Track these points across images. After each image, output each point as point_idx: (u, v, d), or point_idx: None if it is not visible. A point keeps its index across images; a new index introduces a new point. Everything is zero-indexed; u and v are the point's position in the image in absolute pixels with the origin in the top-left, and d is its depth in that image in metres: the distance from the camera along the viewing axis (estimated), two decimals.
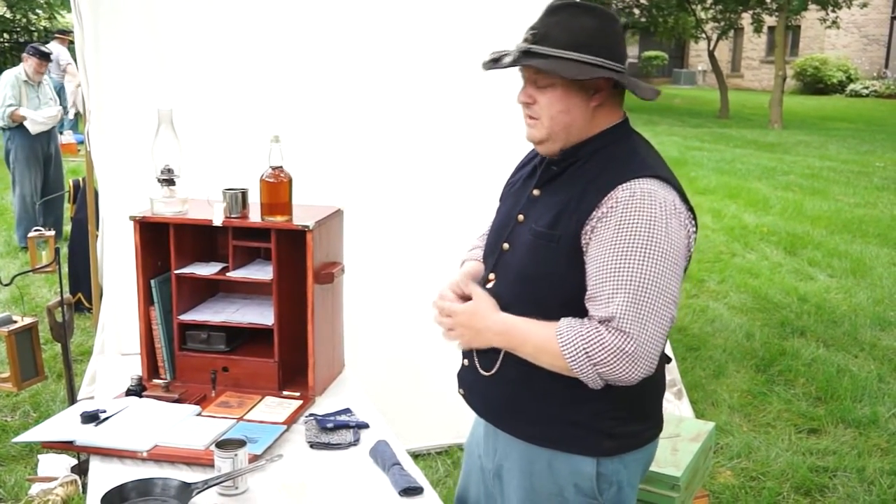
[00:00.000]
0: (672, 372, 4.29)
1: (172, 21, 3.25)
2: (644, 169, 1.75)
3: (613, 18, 1.82)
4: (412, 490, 2.03)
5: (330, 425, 2.34)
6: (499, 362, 1.88)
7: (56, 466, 3.59)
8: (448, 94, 3.61)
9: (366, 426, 2.38)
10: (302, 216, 2.47)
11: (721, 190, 10.86)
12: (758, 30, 24.54)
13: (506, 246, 1.92)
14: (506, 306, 1.84)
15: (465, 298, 1.91)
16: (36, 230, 3.83)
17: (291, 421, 2.36)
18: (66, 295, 3.30)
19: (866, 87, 29.90)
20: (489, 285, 1.93)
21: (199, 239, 2.63)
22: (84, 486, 3.38)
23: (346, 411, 2.46)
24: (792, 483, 3.67)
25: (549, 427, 1.85)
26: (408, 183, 3.50)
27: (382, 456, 2.17)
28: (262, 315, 2.59)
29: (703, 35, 25.90)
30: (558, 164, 1.85)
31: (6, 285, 3.33)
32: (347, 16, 3.46)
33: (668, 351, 2.21)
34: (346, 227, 2.72)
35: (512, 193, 2.00)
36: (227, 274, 2.55)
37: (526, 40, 1.78)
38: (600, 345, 1.66)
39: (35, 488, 3.48)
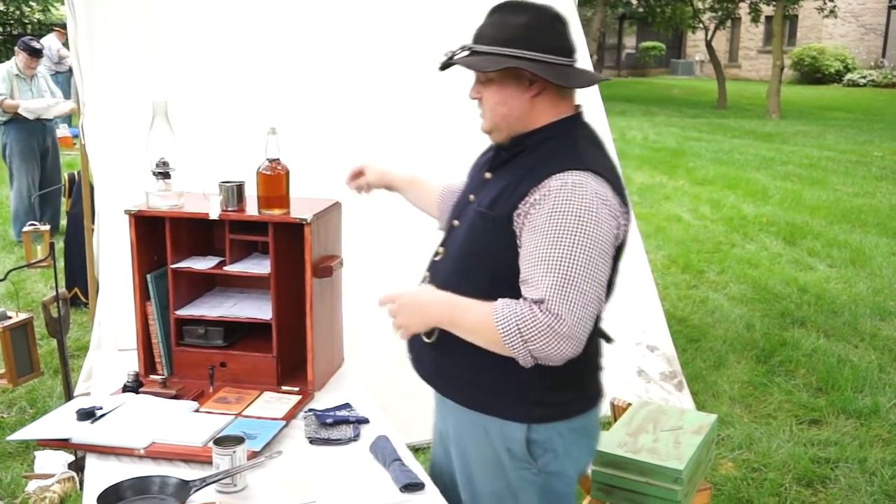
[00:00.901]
0: (672, 363, 4.27)
1: (167, 12, 3.22)
2: (579, 163, 1.85)
3: (549, 14, 1.91)
4: (413, 486, 2.00)
5: (329, 421, 2.31)
6: (437, 330, 1.97)
7: (53, 463, 3.56)
8: (447, 84, 3.57)
9: (366, 421, 2.35)
10: (300, 209, 2.44)
11: (720, 180, 10.83)
12: (755, 19, 24.50)
13: (456, 223, 2.07)
14: (444, 279, 1.98)
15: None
16: (31, 224, 3.80)
17: (290, 416, 2.34)
18: (62, 290, 3.27)
19: (864, 77, 29.84)
20: (437, 258, 2.09)
21: (196, 233, 2.60)
22: (81, 482, 3.35)
23: (346, 406, 2.44)
24: (794, 474, 3.66)
25: (482, 393, 1.98)
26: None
27: (383, 451, 2.15)
28: (259, 309, 2.56)
29: (701, 25, 25.83)
30: (508, 150, 1.99)
31: (1, 280, 3.30)
32: (342, 7, 3.42)
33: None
34: (345, 219, 2.69)
35: (470, 176, 2.16)
36: (225, 268, 2.52)
37: (462, 47, 1.95)
38: (533, 324, 1.74)
39: (32, 485, 3.45)
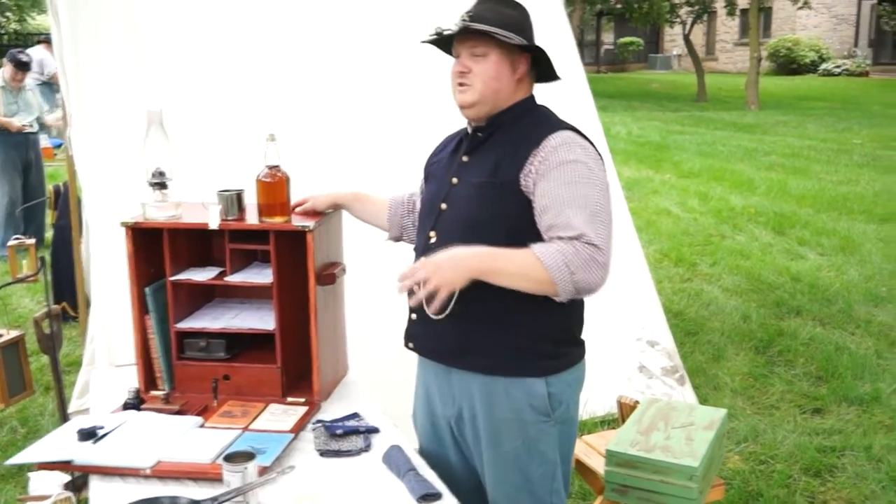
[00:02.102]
0: (673, 358, 4.25)
1: (154, 19, 3.15)
2: (563, 125, 2.12)
3: (527, 12, 2.17)
4: (430, 496, 1.96)
5: (339, 432, 2.26)
6: (451, 304, 2.04)
7: (48, 484, 3.47)
8: (446, 89, 3.53)
9: (376, 431, 2.30)
10: (301, 216, 2.39)
11: (705, 173, 10.86)
12: (731, 13, 24.63)
13: (444, 206, 2.17)
14: None
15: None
16: (16, 238, 3.71)
17: (299, 428, 2.28)
18: (53, 305, 3.19)
19: (838, 66, 30.10)
20: (431, 241, 2.15)
21: (194, 243, 2.54)
22: (80, 502, 3.28)
23: (355, 416, 2.38)
24: (801, 465, 3.64)
25: (501, 357, 2.10)
26: (406, 178, 3.41)
27: (396, 462, 2.10)
28: (262, 320, 2.50)
29: (678, 20, 25.94)
30: (483, 130, 2.16)
31: None
32: (339, 8, 3.37)
33: None
34: (346, 225, 2.63)
35: (441, 166, 2.26)
36: (225, 278, 2.46)
37: (463, 20, 2.09)
38: (576, 256, 1.91)
39: None
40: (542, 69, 2.18)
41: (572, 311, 2.15)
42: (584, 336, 2.24)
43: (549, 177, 2.00)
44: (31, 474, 3.53)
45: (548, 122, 2.13)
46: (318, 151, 3.28)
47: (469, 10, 2.11)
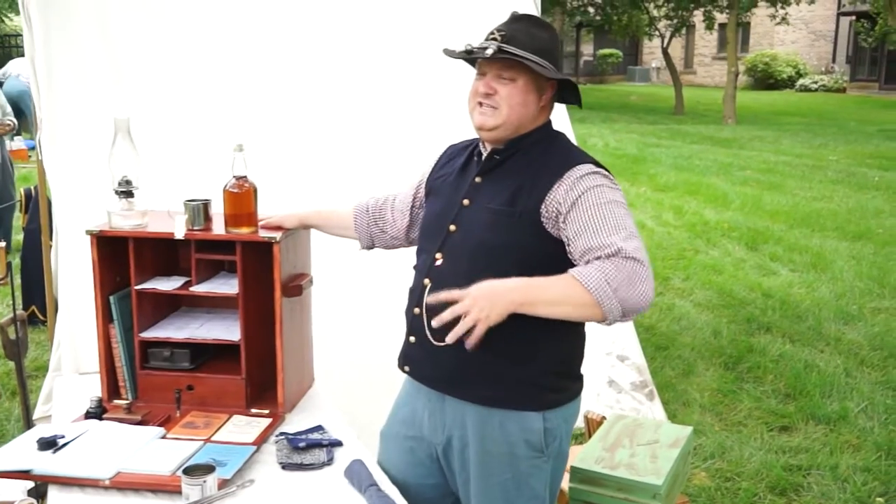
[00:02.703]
0: (643, 373, 4.26)
1: (127, 24, 3.13)
2: (584, 157, 2.08)
3: (557, 34, 2.14)
4: None
5: (302, 444, 2.25)
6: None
7: (11, 490, 3.43)
8: (416, 100, 3.54)
9: (339, 444, 2.29)
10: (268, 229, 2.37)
11: (681, 186, 10.93)
12: (709, 27, 24.85)
13: (452, 228, 2.10)
14: (458, 279, 1.97)
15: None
16: None
17: (261, 441, 2.27)
18: (19, 311, 3.15)
19: (815, 82, 30.48)
20: (437, 263, 2.10)
21: (160, 252, 2.52)
22: None
23: (319, 429, 2.37)
24: (767, 483, 3.66)
25: (500, 387, 2.05)
26: (376, 190, 3.42)
27: (358, 476, 2.09)
28: (227, 330, 2.49)
29: (657, 33, 26.15)
30: (502, 153, 2.10)
31: None
32: (310, 18, 3.36)
33: None
34: (314, 237, 2.62)
35: (448, 184, 2.20)
36: (191, 288, 2.44)
37: (494, 39, 2.02)
38: (618, 272, 1.84)
39: None
40: (563, 93, 2.14)
41: (576, 344, 2.13)
42: None
43: (578, 204, 1.96)
44: None
45: (568, 153, 2.09)
46: (286, 162, 3.27)
47: (501, 30, 2.04)
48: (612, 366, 4.20)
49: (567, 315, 1.92)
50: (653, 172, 12.01)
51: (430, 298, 2.00)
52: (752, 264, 7.28)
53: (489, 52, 1.99)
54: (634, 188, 10.79)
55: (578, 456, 2.63)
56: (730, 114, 20.02)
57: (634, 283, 1.84)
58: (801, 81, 30.72)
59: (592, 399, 3.97)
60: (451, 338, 1.90)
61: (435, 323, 1.93)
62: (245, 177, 2.32)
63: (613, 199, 1.97)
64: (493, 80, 2.04)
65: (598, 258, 1.88)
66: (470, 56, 2.07)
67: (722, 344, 5.34)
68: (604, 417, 2.96)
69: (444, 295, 1.91)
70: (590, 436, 2.91)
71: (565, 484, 2.68)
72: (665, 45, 24.91)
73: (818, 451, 3.93)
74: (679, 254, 7.61)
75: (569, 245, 1.97)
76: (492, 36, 2.03)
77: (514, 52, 1.98)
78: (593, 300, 1.84)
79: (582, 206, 1.95)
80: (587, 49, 38.69)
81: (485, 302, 1.87)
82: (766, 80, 31.07)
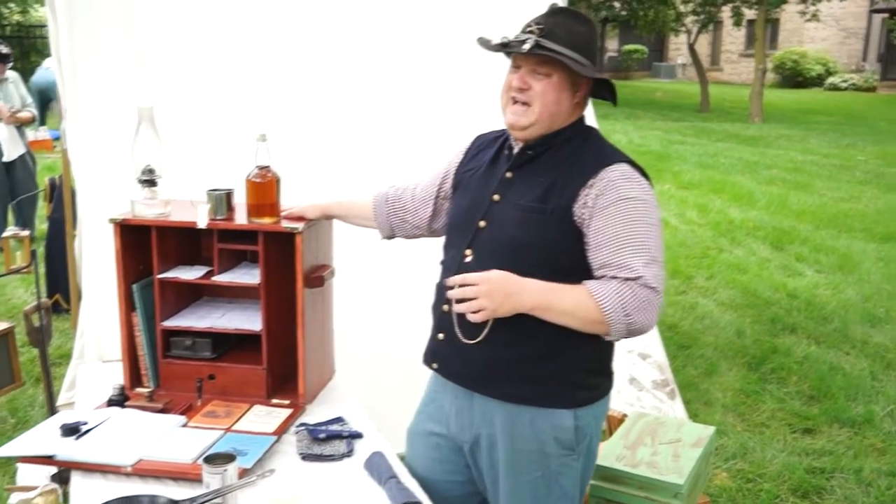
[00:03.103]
0: (665, 371, 4.22)
1: (151, 14, 3.13)
2: (620, 155, 2.03)
3: (595, 28, 2.10)
4: None
5: (322, 436, 2.24)
6: (486, 329, 1.99)
7: (36, 475, 3.46)
8: (438, 90, 3.52)
9: (359, 436, 2.29)
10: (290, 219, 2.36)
11: (705, 184, 10.84)
12: (737, 23, 24.57)
13: (482, 224, 2.07)
14: None
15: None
16: (11, 230, 3.71)
17: (282, 431, 2.27)
18: (44, 299, 3.18)
19: (845, 81, 30.04)
20: (467, 260, 2.07)
21: (183, 242, 2.53)
22: (65, 495, 3.26)
23: (339, 420, 2.37)
24: (789, 485, 3.62)
25: (530, 385, 2.03)
26: (399, 180, 3.41)
27: (378, 469, 2.08)
28: (249, 320, 2.49)
29: (684, 28, 25.92)
30: (534, 148, 2.05)
31: None
32: (335, 6, 3.35)
33: None
34: (336, 228, 2.62)
35: (477, 178, 2.16)
36: (213, 278, 2.45)
37: (532, 32, 1.96)
38: (634, 299, 1.87)
39: (14, 498, 3.35)
40: (598, 88, 2.07)
41: (605, 341, 2.06)
42: None
43: (605, 213, 1.92)
44: (19, 465, 3.52)
45: (602, 151, 2.04)
46: (309, 152, 3.27)
47: (539, 23, 1.98)
48: (633, 363, 4.17)
49: (572, 326, 1.93)
50: (677, 170, 11.92)
51: (448, 281, 1.99)
52: (777, 264, 7.20)
53: (526, 46, 1.94)
54: (658, 185, 10.70)
55: (600, 454, 2.61)
56: (756, 112, 19.81)
57: (646, 310, 1.88)
58: (830, 80, 30.30)
59: (614, 396, 3.89)
60: (456, 308, 1.96)
61: (446, 306, 2.03)
62: (268, 167, 2.32)
63: (643, 215, 1.93)
64: (527, 74, 1.99)
65: (616, 278, 1.89)
66: (506, 50, 2.01)
67: (745, 344, 5.29)
68: (625, 415, 2.94)
69: (459, 278, 1.95)
70: (611, 433, 2.89)
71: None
72: (692, 41, 24.68)
73: (842, 455, 3.88)
74: (703, 252, 7.54)
75: (590, 251, 1.96)
76: (529, 29, 1.98)
77: (552, 47, 1.93)
78: (603, 319, 1.88)
79: (608, 217, 1.92)
80: (612, 45, 38.43)
81: (498, 296, 1.90)
82: (794, 77, 30.68)
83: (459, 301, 1.94)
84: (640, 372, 4.17)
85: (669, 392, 4.19)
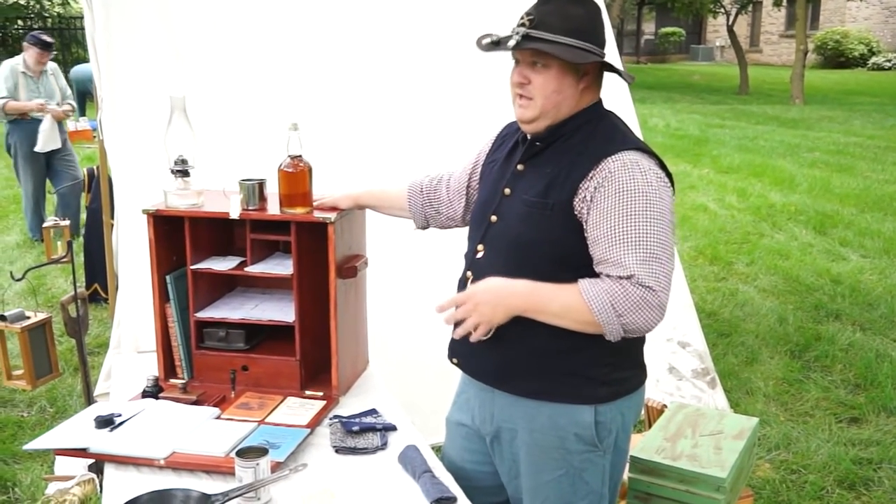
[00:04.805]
0: (705, 360, 4.15)
1: (185, 5, 3.12)
2: (626, 142, 1.93)
3: (598, 7, 1.99)
4: (445, 500, 1.91)
5: (356, 428, 2.22)
6: (489, 334, 1.94)
7: (73, 465, 3.50)
8: (471, 78, 3.48)
9: (393, 428, 2.26)
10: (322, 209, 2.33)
11: (745, 168, 10.65)
12: (777, 3, 24.16)
13: (494, 218, 2.04)
14: (496, 273, 1.94)
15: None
16: (52, 220, 3.73)
17: (315, 423, 2.25)
18: (81, 289, 3.19)
19: (889, 61, 29.35)
20: (479, 256, 2.05)
21: (216, 232, 2.51)
22: (102, 485, 3.28)
23: (373, 412, 2.34)
24: (835, 476, 3.53)
25: (548, 381, 1.99)
26: (431, 169, 3.37)
27: (412, 462, 2.05)
28: (282, 311, 2.47)
29: (722, 10, 25.50)
30: (543, 139, 1.99)
31: (18, 280, 3.23)
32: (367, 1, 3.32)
33: None
34: (369, 218, 2.58)
35: (496, 170, 2.12)
36: (246, 269, 2.43)
37: (523, 24, 1.90)
38: (625, 298, 1.80)
39: (51, 488, 3.40)
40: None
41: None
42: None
43: (602, 207, 1.85)
44: (56, 455, 3.56)
45: (609, 139, 1.94)
46: (341, 142, 3.24)
47: (530, 13, 1.91)
48: (672, 352, 4.10)
49: (568, 327, 1.89)
50: (716, 154, 11.73)
51: (437, 309, 1.97)
52: (820, 249, 7.04)
53: (511, 42, 1.88)
54: (697, 170, 10.55)
55: (638, 445, 2.55)
56: (797, 93, 19.43)
57: (641, 310, 1.80)
58: (873, 60, 29.62)
59: (652, 386, 3.87)
60: (457, 334, 1.95)
61: (455, 335, 2.00)
62: (300, 156, 2.29)
63: (641, 209, 1.83)
64: (526, 68, 1.94)
65: (610, 277, 1.83)
66: (497, 48, 1.94)
67: (788, 331, 5.17)
68: (664, 406, 2.88)
69: (447, 302, 1.94)
70: (650, 425, 2.83)
71: (624, 474, 2.62)
72: (730, 22, 24.26)
73: (890, 445, 3.77)
74: (743, 237, 7.40)
75: (589, 245, 1.90)
76: (521, 21, 1.91)
77: (542, 38, 1.86)
78: (595, 321, 1.83)
79: (606, 210, 1.85)
80: (649, 28, 37.96)
81: (486, 308, 1.89)
82: (836, 58, 30.04)
83: (457, 324, 1.93)
84: (679, 361, 4.10)
85: (710, 381, 4.11)
